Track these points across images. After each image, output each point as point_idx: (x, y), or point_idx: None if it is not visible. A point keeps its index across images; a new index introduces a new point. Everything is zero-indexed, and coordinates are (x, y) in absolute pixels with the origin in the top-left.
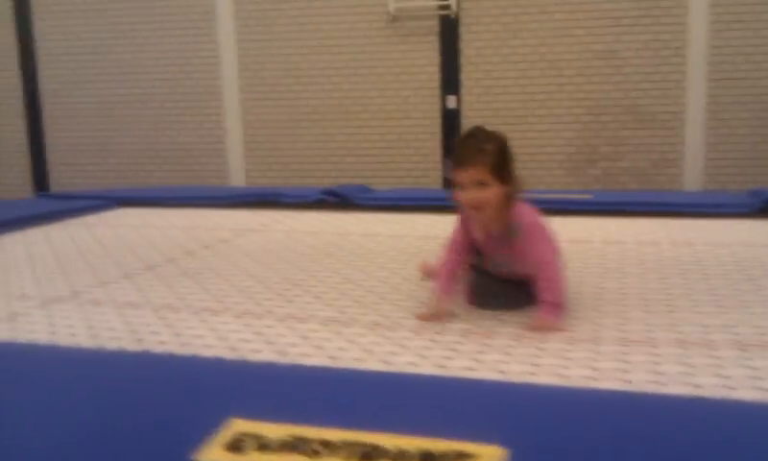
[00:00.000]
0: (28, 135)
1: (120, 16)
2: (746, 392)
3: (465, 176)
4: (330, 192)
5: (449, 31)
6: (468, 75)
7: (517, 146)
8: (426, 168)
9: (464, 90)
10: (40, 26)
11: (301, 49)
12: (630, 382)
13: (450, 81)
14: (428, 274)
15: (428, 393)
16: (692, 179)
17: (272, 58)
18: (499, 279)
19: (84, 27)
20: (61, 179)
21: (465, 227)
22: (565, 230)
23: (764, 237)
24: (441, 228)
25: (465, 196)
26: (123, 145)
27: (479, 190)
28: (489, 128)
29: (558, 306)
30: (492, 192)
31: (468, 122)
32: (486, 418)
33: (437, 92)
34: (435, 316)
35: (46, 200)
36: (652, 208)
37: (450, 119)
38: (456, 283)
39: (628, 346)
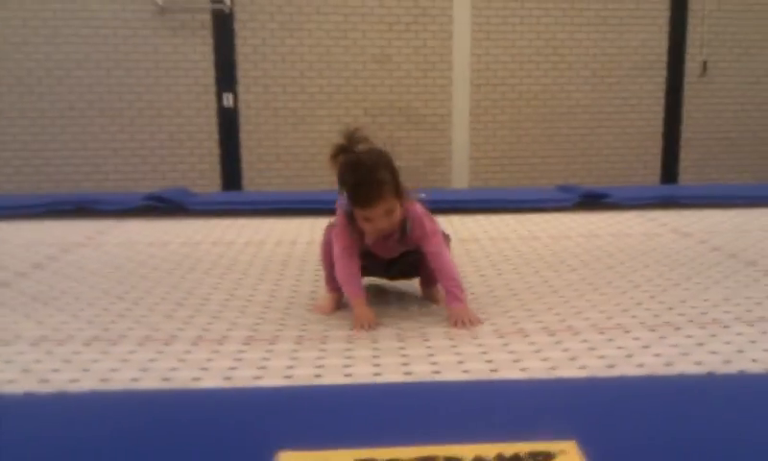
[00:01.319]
0: None
1: None
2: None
3: (374, 212)
4: (154, 197)
5: (223, 26)
6: (245, 73)
7: (299, 146)
8: (203, 169)
9: (241, 89)
10: None
11: (55, 38)
12: (613, 367)
13: (226, 78)
14: (324, 308)
15: (466, 398)
16: (459, 177)
17: (17, 48)
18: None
19: None
20: None
21: (352, 233)
22: None
23: (593, 228)
24: (292, 232)
25: (375, 226)
26: None
27: (389, 217)
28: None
29: (462, 292)
30: (398, 211)
31: (246, 121)
32: (549, 415)
33: (212, 89)
34: (368, 322)
35: None
36: (481, 206)
37: (227, 118)
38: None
39: (555, 335)
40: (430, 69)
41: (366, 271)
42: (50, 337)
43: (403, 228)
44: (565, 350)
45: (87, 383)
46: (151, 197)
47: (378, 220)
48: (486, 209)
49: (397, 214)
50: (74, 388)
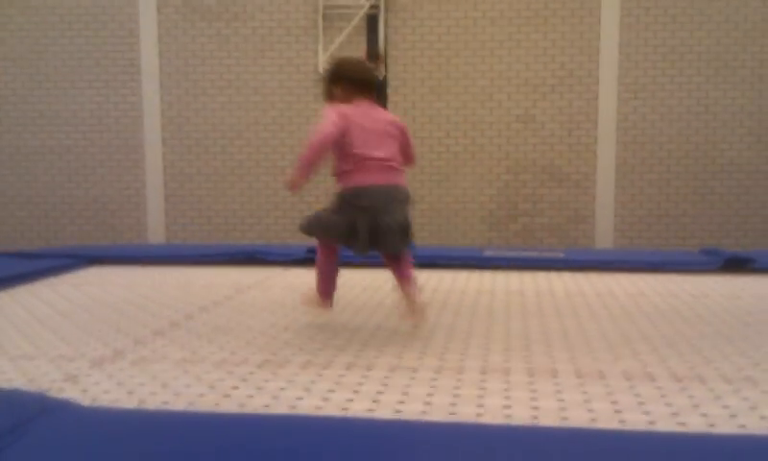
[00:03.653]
0: None
1: (37, 66)
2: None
3: None
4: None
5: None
6: None
7: (442, 202)
8: None
9: None
10: None
11: (228, 104)
12: (735, 416)
13: None
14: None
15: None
16: (603, 234)
17: (197, 112)
18: None
19: None
20: None
21: None
22: (552, 284)
23: (735, 290)
24: (433, 281)
25: None
26: (34, 198)
27: None
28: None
29: (299, 160)
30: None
31: None
32: None
33: None
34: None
35: (10, 259)
36: (620, 266)
37: None
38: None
39: (682, 381)
40: (575, 128)
41: None
42: (229, 360)
43: None
44: (690, 397)
45: (261, 400)
46: (312, 250)
47: None
48: (625, 269)
49: None
50: (251, 404)
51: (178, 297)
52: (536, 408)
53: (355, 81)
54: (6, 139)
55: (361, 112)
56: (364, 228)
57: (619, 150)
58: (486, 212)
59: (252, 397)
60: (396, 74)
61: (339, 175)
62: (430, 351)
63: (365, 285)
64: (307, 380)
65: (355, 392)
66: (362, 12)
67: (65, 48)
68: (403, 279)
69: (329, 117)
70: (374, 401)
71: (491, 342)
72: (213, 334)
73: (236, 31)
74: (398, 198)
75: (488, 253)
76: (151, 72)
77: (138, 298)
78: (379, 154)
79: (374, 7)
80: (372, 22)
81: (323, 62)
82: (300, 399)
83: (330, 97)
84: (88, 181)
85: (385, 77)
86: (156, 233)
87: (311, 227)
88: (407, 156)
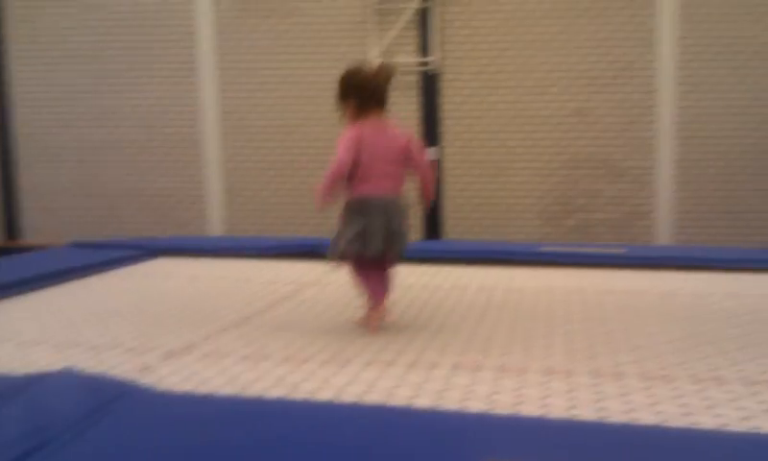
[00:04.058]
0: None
1: (100, 63)
2: None
3: None
4: None
5: (430, 86)
6: (448, 128)
7: (497, 196)
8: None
9: (445, 143)
10: (17, 71)
11: (284, 99)
12: None
13: (431, 133)
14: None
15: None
16: (663, 231)
17: (254, 107)
18: None
19: (63, 73)
20: (35, 224)
21: None
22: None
23: None
24: (491, 279)
25: None
26: (98, 191)
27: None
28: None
29: (321, 187)
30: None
31: (449, 173)
32: None
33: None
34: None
35: (83, 249)
36: (682, 262)
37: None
38: None
39: (753, 386)
40: (632, 122)
41: None
42: (294, 356)
43: None
44: (761, 402)
45: (327, 394)
46: None
47: None
48: (688, 266)
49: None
50: (316, 397)
51: (241, 294)
52: (602, 409)
53: (366, 97)
54: (72, 134)
55: (371, 131)
56: (378, 229)
57: (679, 144)
58: (541, 207)
59: (318, 390)
60: (450, 68)
61: (347, 184)
62: (492, 351)
63: (424, 283)
64: (372, 377)
65: (418, 390)
66: (414, 7)
67: (127, 45)
68: (385, 290)
69: (344, 145)
70: (438, 400)
71: (553, 343)
72: (278, 332)
73: (290, 27)
74: (399, 209)
75: (545, 248)
76: (208, 68)
77: (204, 293)
78: (385, 169)
79: (427, 0)
80: (424, 16)
81: (374, 57)
82: (365, 393)
83: (342, 109)
84: (151, 174)
85: (438, 71)
86: (216, 225)
87: (334, 253)
88: (419, 173)
